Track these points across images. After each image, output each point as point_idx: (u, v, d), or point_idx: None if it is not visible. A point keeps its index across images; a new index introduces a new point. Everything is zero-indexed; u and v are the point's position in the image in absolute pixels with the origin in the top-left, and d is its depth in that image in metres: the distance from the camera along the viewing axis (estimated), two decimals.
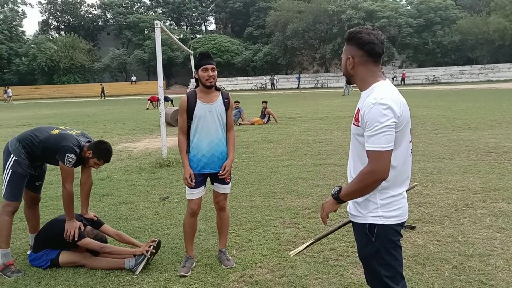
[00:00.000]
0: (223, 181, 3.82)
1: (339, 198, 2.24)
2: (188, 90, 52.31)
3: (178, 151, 3.84)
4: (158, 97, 27.18)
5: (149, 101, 27.62)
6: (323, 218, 2.38)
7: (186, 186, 3.76)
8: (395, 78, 51.34)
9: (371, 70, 2.19)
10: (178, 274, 3.68)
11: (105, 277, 3.70)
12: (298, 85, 56.54)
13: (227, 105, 3.79)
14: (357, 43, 2.16)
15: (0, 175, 4.24)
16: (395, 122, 2.03)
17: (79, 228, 3.87)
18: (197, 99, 3.68)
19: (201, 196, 3.83)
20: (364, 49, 2.15)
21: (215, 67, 3.70)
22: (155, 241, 3.89)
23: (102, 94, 50.54)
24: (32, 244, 4.18)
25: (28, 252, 4.14)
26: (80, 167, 4.15)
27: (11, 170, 3.87)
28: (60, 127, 4.06)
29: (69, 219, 3.86)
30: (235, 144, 3.92)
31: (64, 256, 3.89)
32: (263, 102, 15.94)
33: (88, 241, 3.86)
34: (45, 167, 4.28)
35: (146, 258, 3.78)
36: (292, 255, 2.63)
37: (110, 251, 3.89)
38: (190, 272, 3.72)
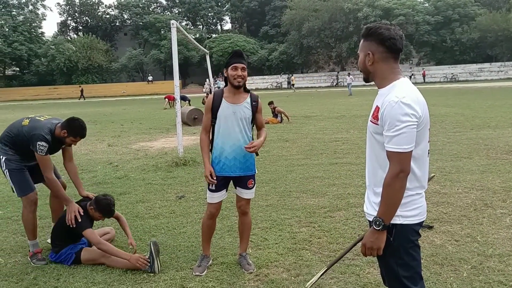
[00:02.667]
0: (246, 186, 3.70)
1: (386, 224, 2.05)
2: (203, 90, 51.90)
3: (199, 149, 3.77)
4: (174, 96, 27.27)
5: (166, 100, 27.58)
6: (377, 251, 2.13)
7: (207, 190, 3.70)
8: (412, 77, 50.74)
9: (391, 66, 2.13)
10: (193, 273, 3.69)
11: (122, 275, 3.74)
12: (337, 83, 55.99)
13: (255, 108, 3.63)
14: (378, 39, 2.10)
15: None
16: (416, 122, 1.98)
17: (84, 218, 3.91)
18: (223, 99, 3.56)
19: (221, 200, 3.76)
20: (385, 45, 2.09)
21: (245, 66, 3.53)
22: (148, 262, 3.78)
23: (82, 96, 50.86)
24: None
25: (49, 254, 4.19)
26: (61, 153, 4.19)
27: (7, 170, 3.98)
28: (30, 116, 4.10)
29: (67, 204, 3.91)
30: (266, 136, 3.74)
31: (85, 253, 3.95)
32: (269, 103, 15.47)
33: (89, 233, 3.87)
34: None
35: (156, 259, 3.78)
36: (308, 287, 2.59)
37: (106, 249, 3.84)
38: (205, 272, 3.73)
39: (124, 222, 4.30)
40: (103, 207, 3.99)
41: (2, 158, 3.97)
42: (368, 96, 27.90)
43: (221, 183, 3.65)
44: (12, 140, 3.97)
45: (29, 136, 3.83)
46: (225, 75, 3.57)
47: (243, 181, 3.69)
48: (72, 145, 4.15)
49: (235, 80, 3.50)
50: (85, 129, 4.02)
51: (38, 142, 3.78)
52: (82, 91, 51.69)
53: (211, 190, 3.67)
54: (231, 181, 3.74)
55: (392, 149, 1.99)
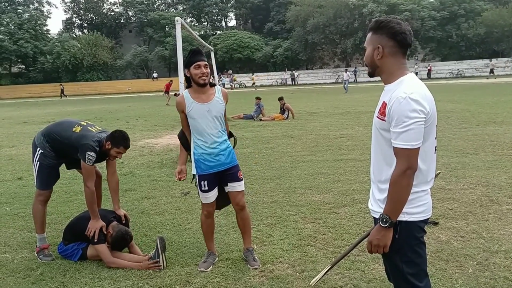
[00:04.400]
0: (237, 178, 3.71)
1: (393, 221, 2.04)
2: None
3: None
4: (168, 84, 27.44)
5: (165, 94, 27.58)
6: (384, 248, 2.12)
7: (200, 191, 3.73)
8: (418, 74, 50.41)
9: (399, 62, 2.11)
10: (199, 269, 3.71)
11: (128, 271, 3.76)
12: (355, 79, 55.23)
13: (226, 100, 3.68)
14: (389, 33, 2.07)
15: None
16: (425, 118, 1.96)
17: (101, 232, 3.93)
18: (193, 100, 3.55)
19: (215, 199, 3.78)
20: (396, 39, 2.06)
21: (207, 64, 3.55)
22: (158, 263, 3.78)
23: (62, 94, 50.55)
24: None
25: (58, 245, 4.22)
26: (105, 164, 4.27)
27: (38, 163, 4.10)
28: (82, 123, 4.15)
29: (93, 218, 3.95)
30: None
31: (91, 250, 3.97)
32: (279, 99, 15.69)
33: (102, 249, 3.88)
34: None
35: (162, 254, 3.78)
36: (312, 284, 2.60)
37: (117, 266, 3.84)
38: (210, 268, 3.74)
39: (136, 251, 4.12)
40: (116, 240, 3.92)
41: (39, 150, 4.09)
42: (373, 92, 27.79)
43: (212, 182, 3.68)
44: (57, 140, 4.05)
45: (79, 144, 3.91)
46: (187, 75, 3.57)
47: (233, 174, 3.70)
48: (117, 158, 4.20)
49: (200, 79, 3.49)
50: (127, 140, 4.08)
51: (88, 152, 3.87)
52: (62, 89, 51.16)
53: (204, 191, 3.70)
54: (220, 180, 3.74)
55: (400, 145, 1.98)
